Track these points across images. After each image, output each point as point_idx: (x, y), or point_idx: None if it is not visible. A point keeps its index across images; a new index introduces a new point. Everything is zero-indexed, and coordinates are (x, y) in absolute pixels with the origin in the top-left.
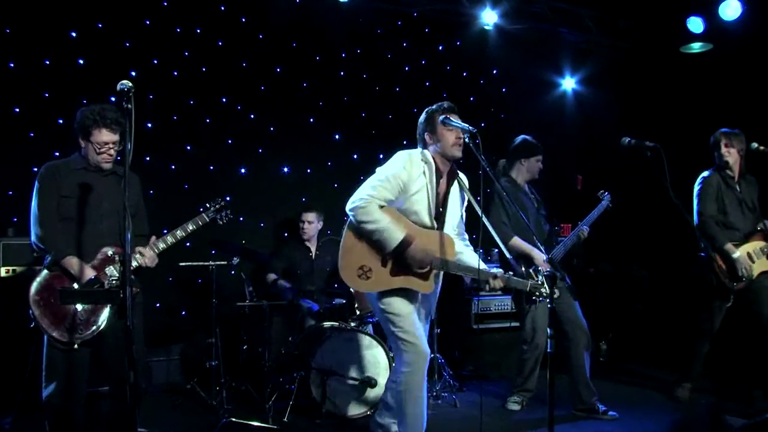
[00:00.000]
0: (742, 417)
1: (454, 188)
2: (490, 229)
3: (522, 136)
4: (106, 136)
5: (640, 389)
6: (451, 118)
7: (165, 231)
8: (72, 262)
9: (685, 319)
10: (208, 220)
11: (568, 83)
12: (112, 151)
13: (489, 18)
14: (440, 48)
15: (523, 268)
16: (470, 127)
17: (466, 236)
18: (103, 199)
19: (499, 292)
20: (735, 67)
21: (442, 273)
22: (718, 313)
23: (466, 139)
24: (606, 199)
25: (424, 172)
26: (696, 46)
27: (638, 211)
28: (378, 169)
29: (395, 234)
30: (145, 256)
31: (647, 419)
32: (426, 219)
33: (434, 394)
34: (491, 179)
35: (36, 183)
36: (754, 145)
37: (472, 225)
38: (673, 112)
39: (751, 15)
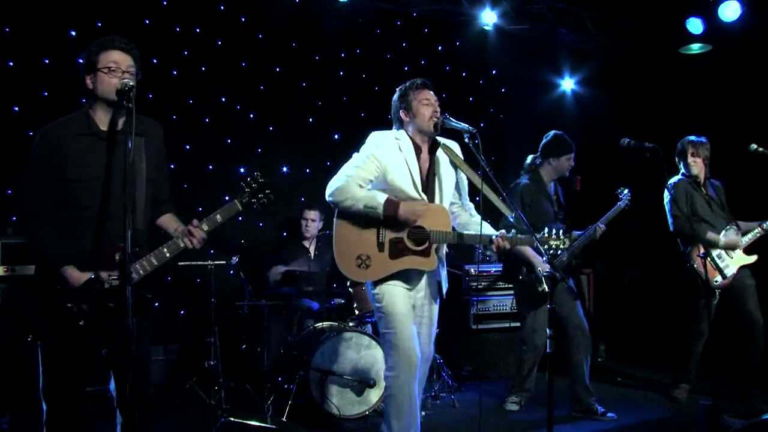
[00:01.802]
0: (740, 417)
1: (442, 160)
2: (494, 201)
3: (553, 132)
4: (116, 55)
5: (638, 390)
6: (450, 118)
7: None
8: (73, 275)
9: (681, 320)
10: (241, 208)
11: (567, 84)
12: (126, 77)
13: (488, 18)
14: (439, 48)
15: (525, 270)
16: (470, 127)
17: (471, 205)
18: (119, 179)
19: (500, 292)
20: (734, 68)
21: (444, 249)
22: (706, 312)
23: (453, 123)
24: (624, 198)
25: (399, 148)
26: (695, 47)
27: (636, 212)
28: (354, 154)
29: (377, 198)
30: (194, 237)
31: (645, 420)
32: (413, 193)
33: (433, 394)
34: (492, 180)
35: (31, 160)
36: (753, 146)
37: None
38: (672, 113)
39: (751, 16)
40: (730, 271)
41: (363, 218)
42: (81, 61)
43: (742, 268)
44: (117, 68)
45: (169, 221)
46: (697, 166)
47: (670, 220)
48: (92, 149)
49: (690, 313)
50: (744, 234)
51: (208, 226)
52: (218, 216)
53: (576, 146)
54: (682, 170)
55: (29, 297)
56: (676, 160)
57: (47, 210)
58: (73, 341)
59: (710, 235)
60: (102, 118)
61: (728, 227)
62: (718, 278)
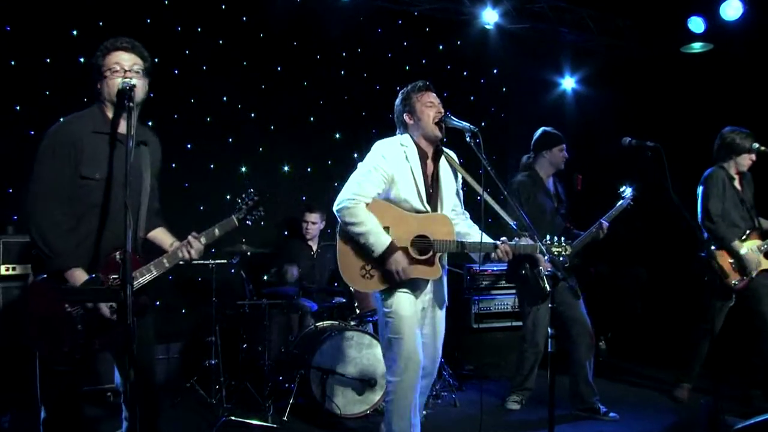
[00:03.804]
0: (741, 417)
1: (444, 167)
2: (497, 209)
3: (542, 128)
4: (119, 56)
5: (639, 389)
6: (451, 117)
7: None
8: (79, 278)
9: (684, 319)
10: (237, 224)
11: (568, 83)
12: (131, 75)
13: (489, 17)
14: (440, 47)
15: (527, 265)
16: (471, 126)
17: (468, 214)
18: (130, 180)
19: (501, 291)
20: (736, 67)
21: (446, 257)
22: (720, 313)
23: (454, 122)
24: (627, 196)
25: (406, 157)
26: (697, 46)
27: (638, 211)
28: (359, 165)
29: (380, 241)
30: (192, 248)
31: (647, 420)
32: (418, 204)
33: (434, 393)
34: (493, 179)
35: (43, 154)
36: (755, 145)
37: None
38: (674, 112)
39: (752, 15)
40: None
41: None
42: (92, 63)
43: (763, 271)
44: (120, 69)
45: (162, 236)
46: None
47: (700, 215)
48: (106, 148)
49: (704, 310)
50: (765, 237)
51: (206, 239)
52: (216, 230)
53: (577, 145)
54: (728, 164)
55: (27, 298)
56: (725, 151)
57: (58, 204)
58: (69, 348)
59: (735, 243)
60: (114, 119)
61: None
62: (736, 281)
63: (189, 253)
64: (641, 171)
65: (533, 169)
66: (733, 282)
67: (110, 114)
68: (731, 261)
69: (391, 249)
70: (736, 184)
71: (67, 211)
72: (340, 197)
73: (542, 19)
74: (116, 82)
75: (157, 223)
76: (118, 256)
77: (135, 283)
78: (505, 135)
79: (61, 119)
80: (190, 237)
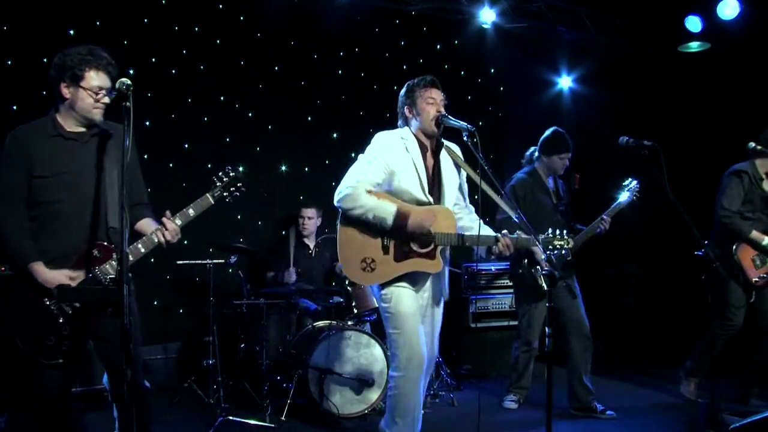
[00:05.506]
0: (738, 416)
1: (445, 160)
2: (496, 199)
3: (553, 129)
4: (102, 79)
5: (636, 387)
6: (449, 117)
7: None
8: (40, 271)
9: (681, 317)
10: (213, 202)
11: (565, 82)
12: (106, 99)
13: (487, 16)
14: (438, 47)
15: (525, 263)
16: (468, 126)
17: (473, 207)
18: (87, 178)
19: (499, 290)
20: (733, 66)
21: (449, 250)
22: (741, 310)
23: (451, 121)
24: (632, 190)
25: (406, 149)
26: (694, 45)
27: (635, 210)
28: (359, 156)
29: (387, 209)
30: (167, 229)
31: (644, 417)
32: (420, 194)
33: (432, 392)
34: (489, 177)
35: (0, 160)
36: (752, 144)
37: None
38: (671, 111)
39: (749, 14)
40: None
41: (368, 223)
42: (59, 62)
43: None
44: (101, 95)
45: (147, 226)
46: None
47: (718, 209)
48: (58, 148)
49: (719, 307)
50: None
51: (181, 220)
52: (191, 210)
53: (573, 144)
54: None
55: (8, 296)
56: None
57: (16, 207)
58: (55, 340)
59: (754, 234)
60: (70, 123)
61: None
62: (758, 278)
63: (164, 235)
64: (638, 170)
65: (534, 167)
66: (754, 279)
67: (67, 120)
68: (753, 258)
69: (402, 212)
70: (764, 183)
71: (33, 211)
72: (340, 187)
73: (540, 18)
74: (90, 105)
75: (144, 214)
76: (95, 252)
77: (112, 270)
78: (502, 134)
79: (17, 127)
80: (163, 218)
